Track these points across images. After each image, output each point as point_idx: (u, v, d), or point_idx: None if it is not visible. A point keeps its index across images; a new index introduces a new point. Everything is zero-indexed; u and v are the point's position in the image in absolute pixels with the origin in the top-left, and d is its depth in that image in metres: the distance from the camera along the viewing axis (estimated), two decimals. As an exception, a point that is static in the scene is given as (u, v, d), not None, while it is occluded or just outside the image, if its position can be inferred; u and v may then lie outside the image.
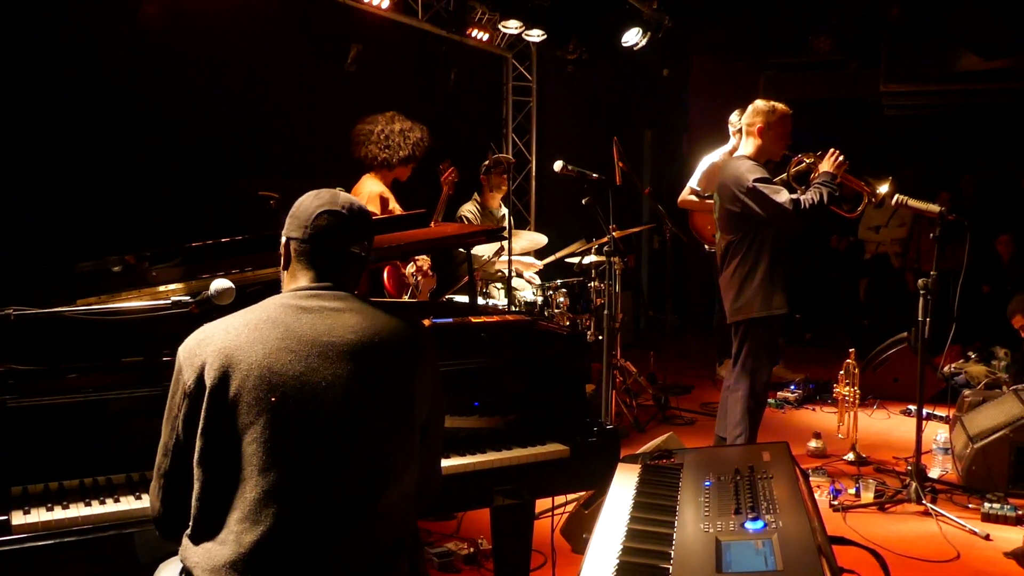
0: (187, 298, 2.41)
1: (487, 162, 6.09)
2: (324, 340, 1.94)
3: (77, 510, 2.24)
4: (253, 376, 1.87)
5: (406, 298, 5.04)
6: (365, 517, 1.92)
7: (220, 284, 2.33)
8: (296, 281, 2.07)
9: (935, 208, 4.78)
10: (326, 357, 1.92)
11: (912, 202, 4.76)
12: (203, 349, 1.91)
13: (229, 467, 1.87)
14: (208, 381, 1.87)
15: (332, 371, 1.92)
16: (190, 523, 1.93)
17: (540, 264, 6.47)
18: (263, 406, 1.86)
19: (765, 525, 1.88)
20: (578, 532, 3.85)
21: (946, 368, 6.79)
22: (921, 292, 4.63)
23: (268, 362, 1.88)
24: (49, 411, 2.33)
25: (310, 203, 2.08)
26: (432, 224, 3.59)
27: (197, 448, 1.88)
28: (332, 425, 1.91)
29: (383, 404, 1.98)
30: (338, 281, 2.07)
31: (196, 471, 1.89)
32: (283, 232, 2.12)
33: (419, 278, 5.11)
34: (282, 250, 2.12)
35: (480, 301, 5.17)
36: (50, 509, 2.22)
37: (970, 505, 4.63)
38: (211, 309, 2.29)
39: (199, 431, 1.88)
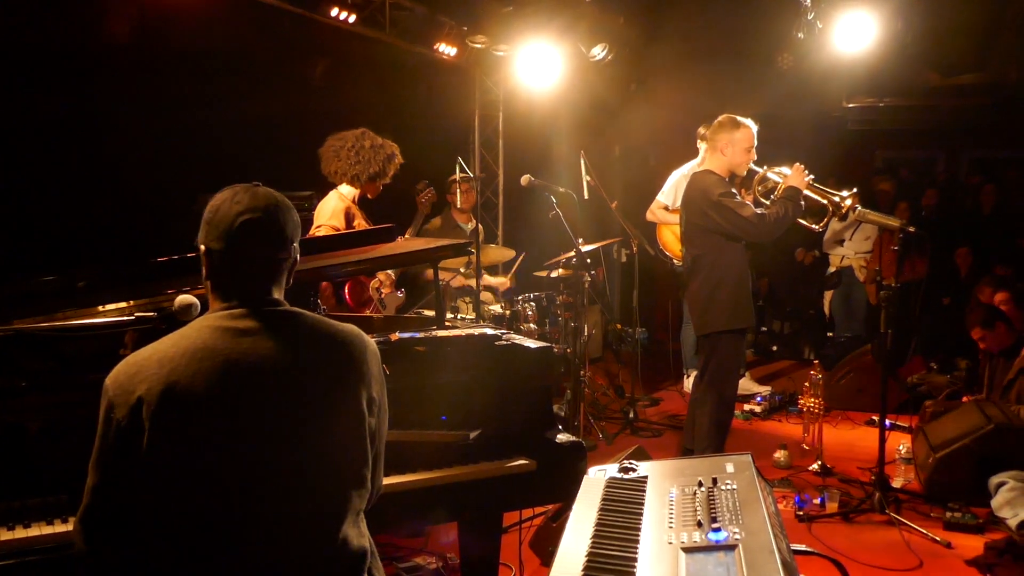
0: (151, 314, 2.38)
1: (453, 177, 6.11)
2: (268, 367, 1.84)
3: (39, 529, 2.21)
4: (198, 411, 1.76)
5: (368, 312, 5.02)
6: (327, 547, 1.88)
7: (184, 299, 2.30)
8: (223, 295, 1.94)
9: (895, 222, 4.86)
10: (272, 386, 1.84)
11: (872, 215, 4.85)
12: (136, 384, 1.77)
13: (174, 508, 1.77)
14: (146, 418, 1.75)
15: (281, 399, 1.84)
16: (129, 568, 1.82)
17: (507, 280, 6.48)
18: (210, 441, 1.77)
19: (728, 536, 1.90)
20: (546, 545, 3.86)
21: (909, 379, 6.89)
22: (882, 304, 4.70)
23: (212, 395, 1.78)
24: (10, 429, 2.31)
25: (228, 208, 1.91)
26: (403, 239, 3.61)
27: (134, 489, 1.76)
28: (288, 454, 1.83)
29: (337, 424, 1.91)
30: (268, 291, 1.95)
31: (135, 514, 1.78)
32: (199, 240, 1.95)
33: (382, 293, 5.09)
34: (202, 259, 1.96)
35: (448, 315, 5.17)
36: (11, 528, 2.20)
37: (932, 514, 4.70)
38: (175, 324, 2.27)
39: (137, 470, 1.76)
